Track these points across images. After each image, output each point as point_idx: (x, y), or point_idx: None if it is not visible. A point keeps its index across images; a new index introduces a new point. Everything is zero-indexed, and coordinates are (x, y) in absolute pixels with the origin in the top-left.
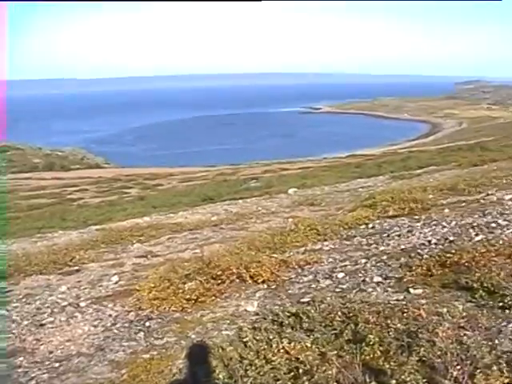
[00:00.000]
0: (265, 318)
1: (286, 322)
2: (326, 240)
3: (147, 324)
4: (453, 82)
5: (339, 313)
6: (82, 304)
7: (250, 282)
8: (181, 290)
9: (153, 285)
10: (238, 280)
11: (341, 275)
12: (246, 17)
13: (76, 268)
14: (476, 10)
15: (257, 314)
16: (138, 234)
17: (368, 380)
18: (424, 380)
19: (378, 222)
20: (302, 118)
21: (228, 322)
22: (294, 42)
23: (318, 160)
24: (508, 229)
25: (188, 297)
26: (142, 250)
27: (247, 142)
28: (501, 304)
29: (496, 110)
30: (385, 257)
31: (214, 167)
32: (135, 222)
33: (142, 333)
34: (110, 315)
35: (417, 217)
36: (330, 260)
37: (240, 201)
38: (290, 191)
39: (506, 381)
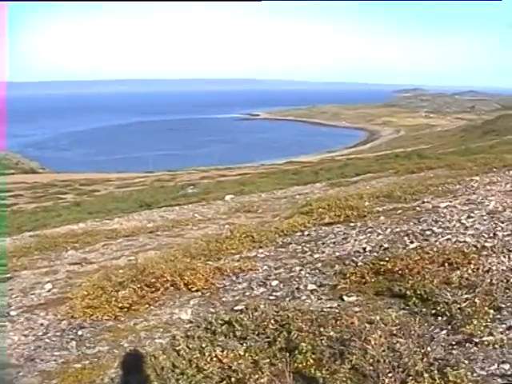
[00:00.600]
0: (198, 326)
1: (219, 330)
2: (261, 247)
3: (79, 333)
4: (390, 90)
5: (272, 321)
6: (13, 313)
7: (184, 289)
8: (114, 298)
9: (86, 293)
10: (172, 288)
11: (275, 283)
12: (191, 22)
13: (8, 275)
14: (413, 21)
15: (190, 322)
16: (72, 241)
17: None
18: None
19: (313, 229)
20: (241, 124)
21: (161, 330)
22: (235, 49)
23: (255, 166)
24: (442, 236)
25: (121, 305)
26: (76, 257)
27: (186, 148)
28: (433, 311)
29: (434, 118)
30: (319, 264)
31: (152, 173)
32: (70, 228)
33: (74, 342)
34: (42, 324)
35: (352, 224)
36: (265, 267)
37: (177, 207)
38: (227, 198)
39: None
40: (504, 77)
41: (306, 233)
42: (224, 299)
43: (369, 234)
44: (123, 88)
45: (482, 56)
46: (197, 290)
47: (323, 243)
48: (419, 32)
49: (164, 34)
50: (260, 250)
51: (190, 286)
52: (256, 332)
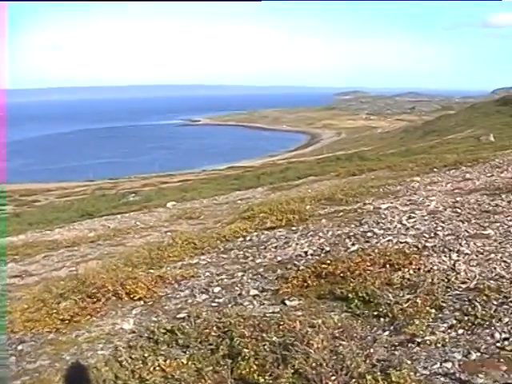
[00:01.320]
0: (141, 336)
1: (162, 339)
2: (203, 254)
3: (19, 347)
4: (331, 93)
5: (215, 328)
6: None
7: (126, 299)
8: (55, 311)
9: (26, 306)
10: (114, 298)
11: (217, 289)
12: (134, 29)
13: None
14: (355, 23)
15: (133, 332)
16: (12, 253)
17: None
18: None
19: (255, 234)
20: (182, 130)
21: (104, 341)
22: (180, 54)
23: (197, 172)
24: (384, 237)
25: (62, 317)
26: (16, 269)
27: (127, 156)
28: (376, 313)
29: (374, 120)
30: (261, 269)
31: (93, 182)
32: (10, 240)
33: (14, 357)
34: None
35: (294, 228)
36: (207, 274)
37: (118, 216)
38: (169, 205)
39: None
40: (444, 78)
41: (248, 238)
42: (166, 307)
43: (310, 238)
44: (69, 96)
45: (421, 58)
46: (139, 299)
47: (265, 248)
48: (362, 34)
49: (111, 40)
50: (202, 257)
51: (132, 296)
52: (199, 340)
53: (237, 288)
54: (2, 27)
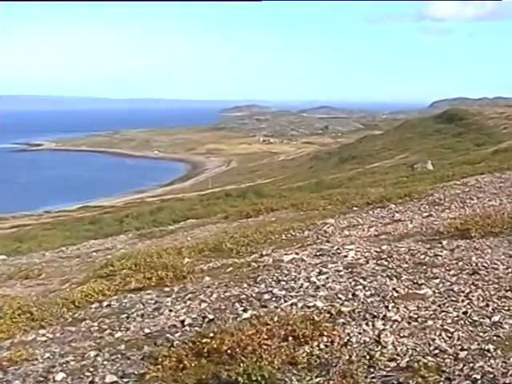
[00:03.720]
0: None
1: None
2: (42, 327)
3: None
4: (218, 109)
5: None
6: None
7: None
8: None
9: None
10: None
11: (60, 376)
12: None
13: None
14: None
15: None
16: None
17: None
18: None
19: (115, 297)
20: (17, 157)
21: None
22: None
23: (38, 215)
24: (286, 301)
25: None
26: None
27: None
28: None
29: (275, 144)
30: (123, 346)
31: None
32: None
33: None
34: None
35: (167, 289)
36: (47, 355)
37: None
38: None
39: None
40: (365, 87)
41: (106, 303)
42: None
43: (189, 302)
44: None
45: (336, 61)
46: None
47: (128, 317)
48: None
49: None
50: (41, 332)
51: None
52: None
53: (88, 373)
54: None
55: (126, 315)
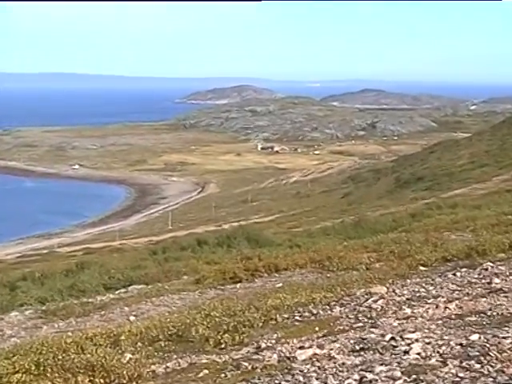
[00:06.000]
0: None
1: None
2: None
3: None
4: (189, 90)
5: None
6: None
7: None
8: None
9: None
10: None
11: None
12: None
13: None
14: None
15: None
16: None
17: None
18: None
19: None
20: None
21: None
22: None
23: None
24: None
25: None
26: None
27: None
28: None
29: (283, 154)
30: None
31: None
32: None
33: None
34: None
35: None
36: None
37: None
38: None
39: None
40: (439, 63)
41: None
42: None
43: None
44: None
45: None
46: None
47: None
48: None
49: None
50: None
51: None
52: None
53: None
54: None
55: None
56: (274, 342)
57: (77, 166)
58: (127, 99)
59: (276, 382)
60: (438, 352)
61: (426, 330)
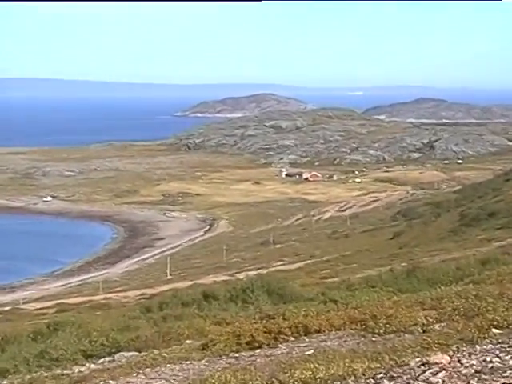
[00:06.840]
0: None
1: None
2: None
3: None
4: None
5: None
6: None
7: None
8: None
9: None
10: None
11: None
12: None
13: None
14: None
15: None
16: None
17: None
18: None
19: None
20: None
21: None
22: None
23: None
24: None
25: None
26: None
27: None
28: None
29: (315, 182)
30: None
31: None
32: None
33: None
34: None
35: None
36: None
37: None
38: None
39: None
40: None
41: None
42: None
43: None
44: None
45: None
46: None
47: None
48: None
49: None
50: None
51: None
52: None
53: None
54: None
55: None
56: None
57: (49, 198)
58: (116, 111)
59: None
60: None
61: None
